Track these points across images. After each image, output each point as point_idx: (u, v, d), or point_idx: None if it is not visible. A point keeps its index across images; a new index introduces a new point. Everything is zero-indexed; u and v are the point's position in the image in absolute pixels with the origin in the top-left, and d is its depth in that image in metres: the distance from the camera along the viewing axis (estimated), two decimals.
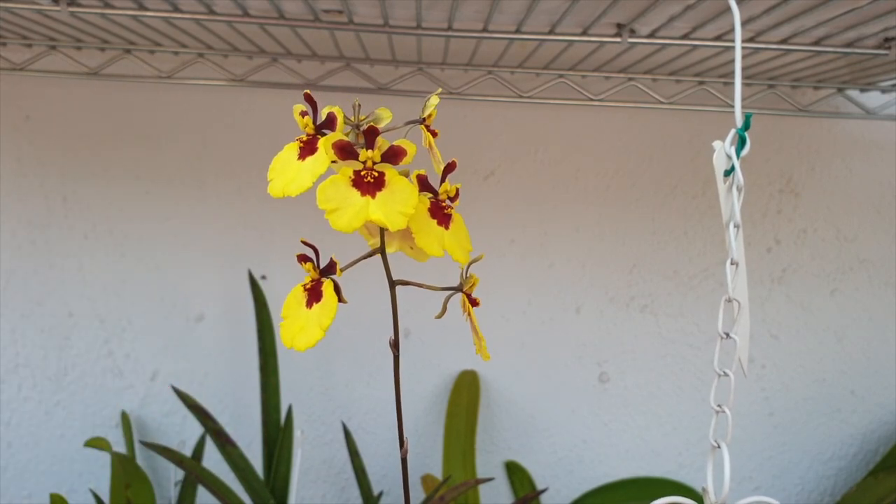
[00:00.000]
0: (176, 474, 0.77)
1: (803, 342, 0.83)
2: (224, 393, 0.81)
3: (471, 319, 0.28)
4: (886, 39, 0.55)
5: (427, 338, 0.82)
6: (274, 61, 0.72)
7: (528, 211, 0.80)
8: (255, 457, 0.75)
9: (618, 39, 0.56)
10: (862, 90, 0.72)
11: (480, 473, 0.81)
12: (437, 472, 0.81)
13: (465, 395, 0.80)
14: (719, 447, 0.28)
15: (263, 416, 0.74)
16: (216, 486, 0.65)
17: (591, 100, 0.72)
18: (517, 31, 0.56)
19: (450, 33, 0.56)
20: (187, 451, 0.78)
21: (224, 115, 0.78)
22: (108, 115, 0.78)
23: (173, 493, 0.77)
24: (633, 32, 0.56)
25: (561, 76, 0.72)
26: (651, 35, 0.56)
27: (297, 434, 0.73)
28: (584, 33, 0.56)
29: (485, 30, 0.56)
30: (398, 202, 0.24)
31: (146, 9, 0.55)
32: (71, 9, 0.54)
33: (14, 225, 0.79)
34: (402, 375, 0.91)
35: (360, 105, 0.25)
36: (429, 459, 0.83)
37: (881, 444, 0.83)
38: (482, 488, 0.79)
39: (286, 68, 0.73)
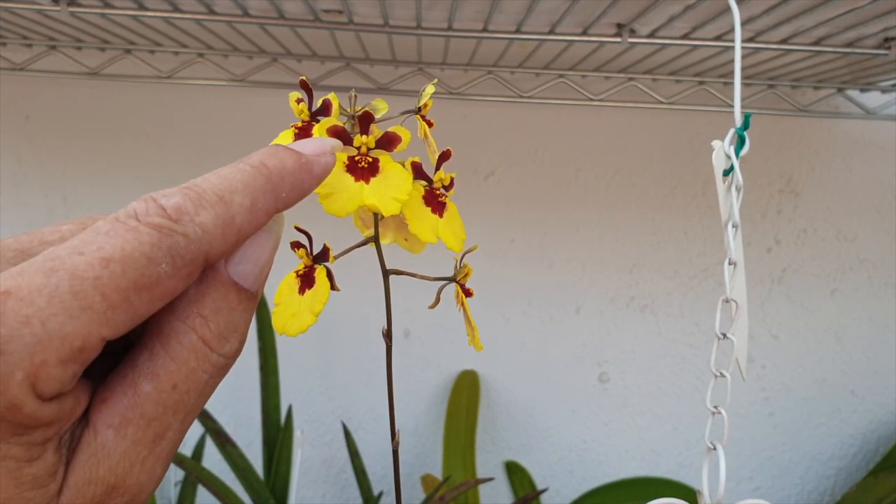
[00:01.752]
0: (176, 474, 0.77)
1: (803, 342, 0.83)
2: (224, 393, 0.82)
3: (464, 309, 0.28)
4: (886, 39, 0.55)
5: (427, 338, 0.82)
6: (274, 61, 0.72)
7: (528, 211, 0.80)
8: (255, 457, 0.75)
9: (618, 39, 0.56)
10: (862, 90, 0.72)
11: (480, 473, 0.81)
12: (437, 472, 0.81)
13: (465, 395, 0.80)
14: (715, 449, 0.28)
15: (263, 416, 0.74)
16: (216, 486, 0.65)
17: (591, 100, 0.72)
18: (517, 31, 0.56)
19: (450, 33, 0.56)
20: (187, 451, 0.78)
21: (224, 115, 0.78)
22: (108, 115, 0.78)
23: (173, 493, 0.77)
24: (633, 32, 0.56)
25: (561, 76, 0.72)
26: (651, 35, 0.56)
27: (297, 434, 0.73)
28: (584, 33, 0.56)
29: (485, 30, 0.56)
30: (392, 188, 0.24)
31: (146, 9, 0.55)
32: (71, 9, 0.54)
33: (14, 225, 0.79)
34: (403, 375, 0.91)
35: (356, 95, 0.25)
36: (429, 459, 0.83)
37: (881, 444, 0.83)
38: (482, 488, 0.79)
39: (286, 68, 0.73)
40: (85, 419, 0.17)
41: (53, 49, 0.71)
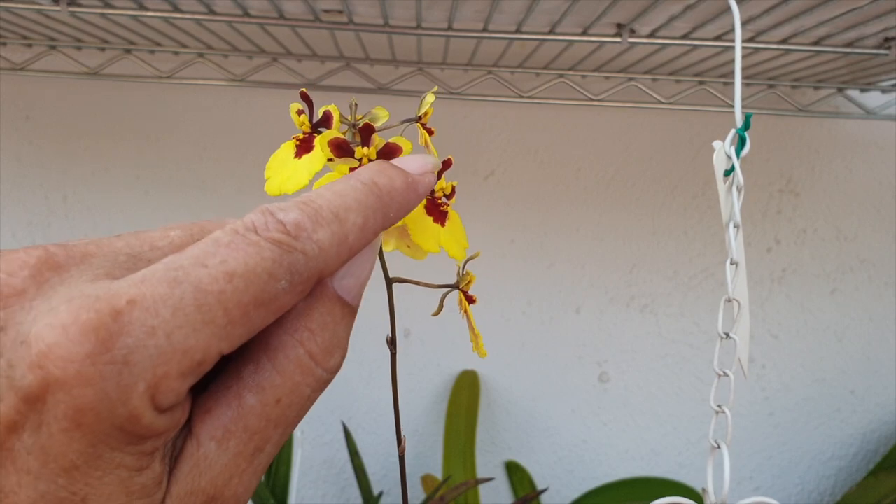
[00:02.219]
0: None
1: (803, 342, 0.83)
2: None
3: (467, 317, 0.28)
4: (886, 39, 0.55)
5: (427, 338, 0.82)
6: (274, 61, 0.72)
7: (528, 211, 0.80)
8: None
9: (618, 39, 0.56)
10: (862, 90, 0.72)
11: (480, 473, 0.81)
12: (437, 472, 0.81)
13: (465, 395, 0.80)
14: (719, 448, 0.28)
15: None
16: None
17: (591, 100, 0.72)
18: (517, 31, 0.56)
19: (450, 33, 0.56)
20: None
21: (224, 115, 0.78)
22: (108, 115, 0.78)
23: None
24: (633, 32, 0.56)
25: (561, 76, 0.72)
26: (651, 35, 0.56)
27: (297, 434, 0.73)
28: (584, 33, 0.56)
29: (485, 30, 0.56)
30: None
31: (146, 9, 0.55)
32: (71, 9, 0.54)
33: (14, 225, 0.79)
34: (402, 375, 0.91)
35: (356, 104, 0.25)
36: (429, 459, 0.83)
37: (881, 444, 0.83)
38: (482, 488, 0.79)
39: (286, 68, 0.73)
40: (187, 428, 0.17)
41: (53, 49, 0.71)
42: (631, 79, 0.71)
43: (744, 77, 0.71)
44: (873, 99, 0.74)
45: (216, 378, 0.18)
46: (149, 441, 0.15)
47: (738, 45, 0.30)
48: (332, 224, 0.18)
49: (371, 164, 0.20)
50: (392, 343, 0.27)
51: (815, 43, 0.56)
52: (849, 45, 0.56)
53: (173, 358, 0.15)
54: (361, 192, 0.19)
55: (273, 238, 0.17)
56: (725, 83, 0.72)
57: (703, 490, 0.27)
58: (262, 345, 0.18)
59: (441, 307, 0.28)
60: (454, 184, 0.26)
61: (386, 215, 0.19)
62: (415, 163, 0.21)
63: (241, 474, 0.17)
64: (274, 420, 0.17)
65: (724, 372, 0.29)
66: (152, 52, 0.72)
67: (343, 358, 0.19)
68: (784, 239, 0.81)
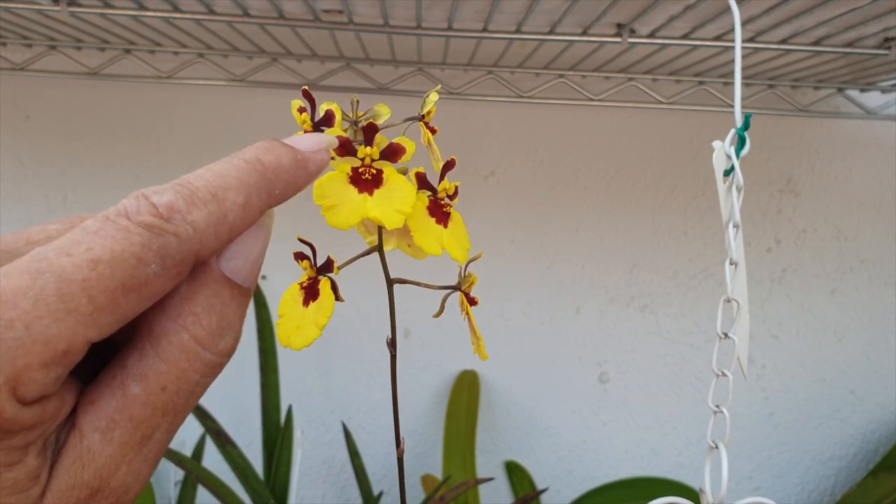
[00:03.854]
0: (176, 474, 0.77)
1: (803, 342, 0.83)
2: (224, 393, 0.82)
3: (469, 319, 0.27)
4: (886, 39, 0.55)
5: (427, 338, 0.82)
6: (274, 61, 0.72)
7: (528, 211, 0.80)
8: (255, 457, 0.75)
9: (618, 39, 0.56)
10: (862, 90, 0.72)
11: (480, 473, 0.81)
12: (437, 472, 0.81)
13: (465, 395, 0.80)
14: (717, 448, 0.28)
15: (263, 416, 0.74)
16: (216, 486, 0.65)
17: (591, 100, 0.72)
18: (517, 31, 0.56)
19: (450, 33, 0.56)
20: (187, 451, 0.78)
21: (224, 115, 0.78)
22: (108, 115, 0.78)
23: (173, 493, 0.76)
24: (633, 32, 0.56)
25: (561, 76, 0.72)
26: (651, 35, 0.56)
27: (297, 434, 0.73)
28: (584, 33, 0.56)
29: (485, 30, 0.56)
30: (396, 200, 0.23)
31: (146, 9, 0.55)
32: (71, 9, 0.54)
33: (14, 225, 0.79)
34: (403, 375, 0.91)
35: (358, 101, 0.25)
36: (429, 459, 0.83)
37: (881, 444, 0.83)
38: (482, 488, 0.79)
39: (286, 68, 0.73)
40: (71, 421, 0.16)
41: (53, 49, 0.71)
42: (631, 79, 0.71)
43: (744, 77, 0.71)
44: (873, 99, 0.74)
45: (102, 369, 0.17)
46: (17, 435, 0.15)
47: (737, 45, 0.30)
48: (209, 204, 0.17)
49: (259, 142, 0.20)
50: (392, 345, 0.26)
51: (815, 43, 0.56)
52: (849, 45, 0.56)
53: (33, 349, 0.14)
54: (244, 170, 0.19)
55: (143, 222, 0.16)
56: (725, 83, 0.72)
57: (700, 490, 0.27)
58: (146, 332, 0.17)
59: (442, 309, 0.28)
60: (457, 184, 0.26)
61: (271, 193, 0.19)
62: (308, 141, 0.21)
63: (128, 463, 0.17)
64: (161, 408, 0.17)
65: (722, 372, 0.29)
66: (152, 52, 0.72)
67: (236, 340, 0.18)
68: (784, 239, 0.81)
